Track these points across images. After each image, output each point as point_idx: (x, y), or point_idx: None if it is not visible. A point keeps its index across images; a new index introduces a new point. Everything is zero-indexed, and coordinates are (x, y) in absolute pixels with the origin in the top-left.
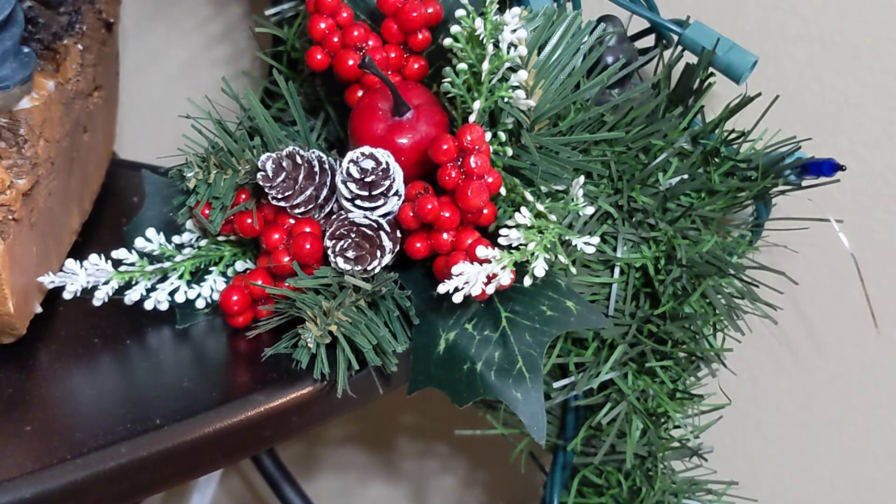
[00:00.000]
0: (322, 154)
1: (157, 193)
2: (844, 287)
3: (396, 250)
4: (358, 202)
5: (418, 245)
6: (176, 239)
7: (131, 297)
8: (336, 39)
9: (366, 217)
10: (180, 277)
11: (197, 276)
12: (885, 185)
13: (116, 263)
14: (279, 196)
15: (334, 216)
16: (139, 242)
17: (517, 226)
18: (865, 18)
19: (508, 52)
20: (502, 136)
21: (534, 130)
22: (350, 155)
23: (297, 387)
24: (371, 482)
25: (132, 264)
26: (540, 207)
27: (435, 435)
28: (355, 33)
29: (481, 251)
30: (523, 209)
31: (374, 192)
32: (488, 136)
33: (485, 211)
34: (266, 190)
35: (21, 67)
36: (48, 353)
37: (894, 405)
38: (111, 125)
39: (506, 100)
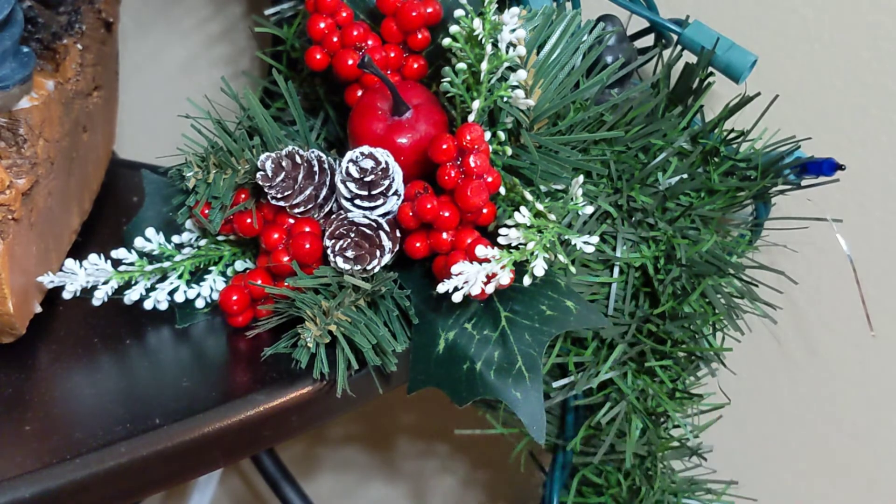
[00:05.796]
0: (321, 154)
1: (157, 193)
2: (844, 287)
3: (396, 250)
4: (357, 202)
5: (418, 244)
6: (175, 239)
7: (131, 296)
8: (335, 39)
9: (365, 217)
10: (180, 277)
11: (196, 276)
12: (885, 185)
13: (116, 263)
14: (278, 196)
15: (334, 216)
16: (139, 242)
17: (516, 225)
18: (865, 18)
19: (507, 52)
20: (501, 135)
21: (533, 130)
22: (349, 154)
23: (296, 386)
24: (371, 482)
25: (132, 264)
26: (539, 207)
27: (435, 435)
28: (355, 33)
29: (481, 251)
30: (523, 208)
31: (374, 192)
32: (487, 135)
33: (484, 210)
34: (265, 189)
35: (20, 67)
36: (48, 353)
37: (893, 405)
38: (111, 125)
39: (505, 99)
